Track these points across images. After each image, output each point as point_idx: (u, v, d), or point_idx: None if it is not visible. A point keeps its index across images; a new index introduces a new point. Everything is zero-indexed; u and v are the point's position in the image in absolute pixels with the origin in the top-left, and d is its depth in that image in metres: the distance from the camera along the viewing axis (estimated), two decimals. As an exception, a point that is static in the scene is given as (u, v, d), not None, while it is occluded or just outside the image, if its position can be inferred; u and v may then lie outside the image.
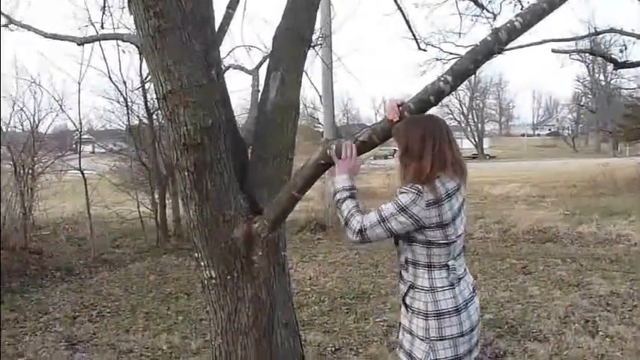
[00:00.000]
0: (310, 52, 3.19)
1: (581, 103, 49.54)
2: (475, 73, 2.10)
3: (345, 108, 50.74)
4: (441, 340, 1.90)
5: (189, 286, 5.99)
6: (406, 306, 1.99)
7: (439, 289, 1.90)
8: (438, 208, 1.83)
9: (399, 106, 2.00)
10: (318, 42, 4.87)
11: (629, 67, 10.22)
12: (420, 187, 1.83)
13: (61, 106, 8.27)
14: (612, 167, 15.32)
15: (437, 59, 10.68)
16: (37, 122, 8.16)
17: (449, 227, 1.87)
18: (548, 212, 9.98)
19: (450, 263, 1.91)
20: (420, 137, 1.88)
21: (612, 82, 41.62)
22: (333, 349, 4.04)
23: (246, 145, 2.92)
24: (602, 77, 44.81)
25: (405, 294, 1.98)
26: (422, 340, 1.93)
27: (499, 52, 1.98)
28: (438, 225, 1.85)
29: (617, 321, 4.36)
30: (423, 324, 1.92)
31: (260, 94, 2.98)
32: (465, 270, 2.01)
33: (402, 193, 1.86)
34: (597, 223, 8.88)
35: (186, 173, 2.37)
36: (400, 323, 2.07)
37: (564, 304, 4.84)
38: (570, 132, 55.63)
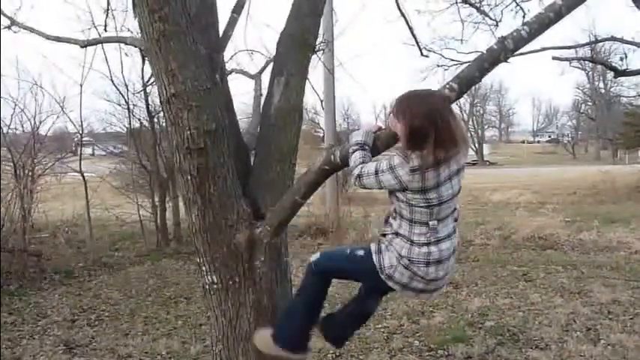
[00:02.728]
0: (312, 57, 3.18)
1: (581, 111, 49.67)
2: (480, 81, 2.10)
3: (346, 113, 50.87)
4: (405, 267, 2.04)
5: (189, 291, 5.97)
6: (384, 235, 2.13)
7: (415, 243, 2.02)
8: (421, 175, 1.91)
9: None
10: (321, 47, 4.87)
11: (629, 75, 10.22)
12: (408, 152, 1.93)
13: (62, 108, 8.27)
14: (612, 174, 15.34)
15: (438, 65, 10.67)
16: (37, 124, 8.15)
17: (430, 192, 1.94)
18: (549, 219, 9.97)
19: (430, 223, 2.01)
20: (425, 119, 1.89)
21: (612, 89, 41.81)
22: (334, 355, 4.02)
23: (248, 150, 2.91)
24: (602, 85, 44.97)
25: (388, 236, 2.11)
26: (386, 246, 2.08)
27: (505, 61, 1.98)
28: (419, 190, 1.94)
29: (618, 329, 4.35)
30: (395, 261, 2.05)
31: (263, 98, 2.97)
32: (452, 231, 2.09)
33: (396, 155, 1.98)
34: (598, 230, 8.87)
35: (188, 177, 2.36)
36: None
37: (565, 312, 4.82)
38: (570, 139, 55.72)
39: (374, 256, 2.10)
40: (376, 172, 1.99)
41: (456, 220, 2.13)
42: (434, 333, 4.39)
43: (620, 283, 5.80)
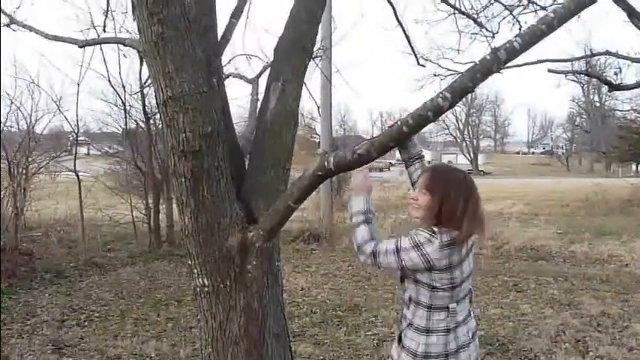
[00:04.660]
0: (310, 64, 3.21)
1: (576, 123, 49.99)
2: (473, 91, 2.12)
3: (342, 119, 50.95)
4: None
5: (180, 293, 5.96)
6: (400, 340, 2.00)
7: (433, 332, 1.92)
8: (450, 251, 1.85)
9: (395, 123, 2.02)
10: (319, 54, 4.90)
11: (624, 90, 10.31)
12: (435, 228, 1.86)
13: (58, 106, 8.27)
14: (605, 187, 15.43)
15: (435, 75, 10.72)
16: (33, 122, 8.14)
17: (456, 270, 1.88)
18: (541, 230, 10.02)
19: (450, 306, 1.92)
20: (461, 194, 1.90)
21: (607, 103, 42.10)
22: (324, 361, 4.02)
23: (243, 154, 2.92)
24: (596, 98, 45.30)
25: (403, 331, 2.00)
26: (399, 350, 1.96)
27: (497, 72, 2.00)
28: (446, 268, 1.86)
29: (607, 342, 4.37)
30: (409, 355, 1.94)
31: (260, 103, 2.99)
32: (468, 315, 2.01)
33: (418, 232, 1.89)
34: (589, 242, 8.93)
35: (182, 180, 2.36)
36: (390, 356, 2.09)
37: (555, 323, 4.84)
38: (564, 151, 56.04)
39: None
40: (397, 251, 1.88)
41: (470, 301, 2.05)
42: (424, 341, 4.40)
43: (610, 295, 5.84)
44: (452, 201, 1.88)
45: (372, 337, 4.53)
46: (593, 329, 4.71)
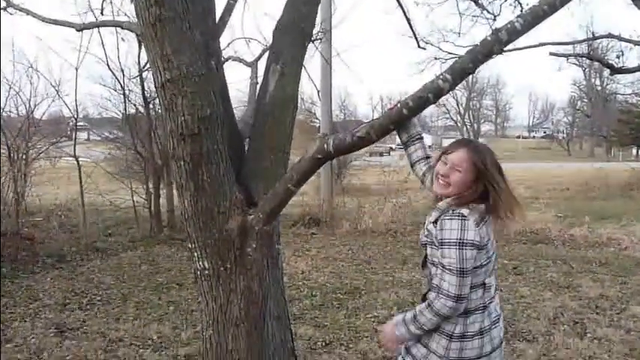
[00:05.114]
0: (309, 47, 3.18)
1: (577, 107, 49.86)
2: (474, 73, 2.10)
3: (343, 104, 50.71)
4: None
5: (181, 277, 5.99)
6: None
7: (471, 312, 1.86)
8: (484, 225, 1.82)
9: (395, 105, 2.00)
10: (318, 36, 4.86)
11: (626, 73, 10.28)
12: (463, 210, 1.80)
13: (57, 91, 8.23)
14: (605, 172, 15.43)
15: (436, 58, 10.72)
16: (32, 107, 8.12)
17: (490, 244, 1.86)
18: (541, 214, 10.03)
19: (486, 281, 1.88)
20: (494, 172, 1.86)
21: (608, 87, 41.97)
22: (324, 343, 4.06)
23: (243, 138, 2.92)
24: (598, 82, 45.14)
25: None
26: (439, 357, 1.88)
27: (499, 53, 1.99)
28: (486, 242, 1.83)
29: (605, 323, 4.41)
30: (445, 343, 1.87)
31: (259, 86, 2.98)
32: (495, 288, 1.97)
33: (445, 225, 1.79)
34: (589, 226, 8.94)
35: (182, 163, 2.36)
36: (409, 353, 1.98)
37: (554, 306, 4.88)
38: (565, 135, 55.97)
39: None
40: (462, 273, 1.77)
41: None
42: (423, 323, 4.43)
43: (609, 278, 5.87)
44: (491, 178, 1.83)
45: (372, 320, 4.56)
46: (592, 311, 4.75)
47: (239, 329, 2.54)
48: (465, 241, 1.76)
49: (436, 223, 1.86)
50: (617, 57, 10.28)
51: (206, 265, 2.53)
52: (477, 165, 1.86)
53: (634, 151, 36.17)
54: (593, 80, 45.52)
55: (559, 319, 4.55)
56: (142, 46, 7.11)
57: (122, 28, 4.93)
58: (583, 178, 16.47)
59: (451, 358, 1.86)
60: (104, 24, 5.11)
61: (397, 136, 2.20)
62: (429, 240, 1.90)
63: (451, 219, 1.79)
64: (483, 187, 1.85)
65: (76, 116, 8.50)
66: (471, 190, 1.85)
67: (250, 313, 2.54)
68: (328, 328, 4.39)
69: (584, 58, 18.93)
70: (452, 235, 1.77)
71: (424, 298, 1.92)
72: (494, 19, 7.13)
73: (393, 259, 6.92)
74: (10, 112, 8.21)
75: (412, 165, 2.21)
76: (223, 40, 3.15)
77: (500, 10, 7.52)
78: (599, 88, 44.56)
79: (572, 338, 4.08)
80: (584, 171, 17.88)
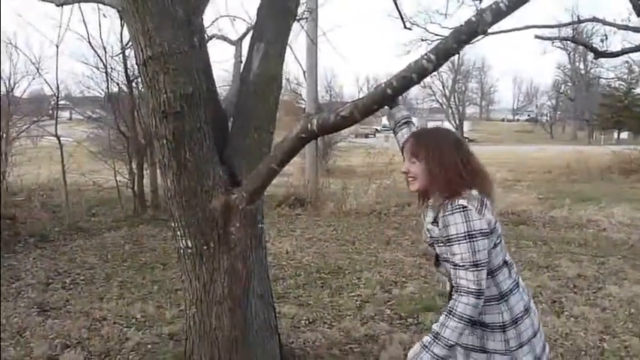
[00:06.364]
0: (295, 26, 3.16)
1: (561, 91, 50.29)
2: (459, 53, 2.10)
3: (329, 85, 50.55)
4: (520, 347, 1.78)
5: (165, 257, 5.99)
6: (472, 323, 1.73)
7: (508, 294, 1.78)
8: (486, 208, 1.73)
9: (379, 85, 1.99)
10: (304, 15, 4.82)
11: (609, 57, 10.35)
12: (460, 201, 1.69)
13: (37, 69, 8.07)
14: (586, 155, 15.66)
15: (422, 39, 10.67)
16: (12, 85, 7.96)
17: (497, 224, 1.78)
18: (523, 196, 10.17)
19: (507, 258, 1.83)
20: (451, 152, 1.78)
21: (592, 71, 42.36)
22: (307, 321, 4.10)
23: (227, 117, 2.90)
24: (582, 66, 45.48)
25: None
26: (502, 354, 1.77)
27: (483, 34, 1.99)
28: (495, 223, 1.75)
29: (582, 302, 4.52)
30: (501, 337, 1.77)
31: (243, 65, 2.95)
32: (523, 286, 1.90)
33: (449, 221, 1.69)
34: (569, 208, 9.10)
35: (164, 142, 2.35)
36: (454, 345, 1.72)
37: (533, 285, 4.98)
38: (548, 118, 56.49)
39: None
40: (476, 265, 1.66)
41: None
42: (405, 302, 4.51)
43: (587, 258, 6.00)
44: (449, 158, 1.76)
45: (355, 299, 4.62)
46: (569, 290, 4.86)
47: (222, 307, 2.56)
48: (473, 232, 1.67)
49: (436, 222, 1.79)
50: (602, 41, 10.34)
51: (189, 244, 2.53)
52: (428, 148, 1.81)
53: (615, 134, 36.71)
54: (577, 64, 45.89)
55: (537, 298, 4.64)
56: (124, 23, 6.97)
57: (104, 4, 4.81)
58: (565, 161, 16.69)
59: (512, 348, 1.77)
60: (85, -1, 4.98)
61: (382, 118, 2.20)
62: (433, 240, 1.85)
63: (453, 213, 1.69)
64: (453, 167, 1.77)
65: (57, 94, 8.36)
66: (442, 175, 1.76)
67: (234, 291, 2.56)
68: (312, 306, 4.44)
69: (568, 42, 19.05)
70: (459, 229, 1.68)
71: (450, 297, 1.79)
72: (480, 1, 7.11)
73: (376, 240, 6.99)
74: (-12, 89, 8.05)
75: (402, 151, 2.20)
76: (207, 18, 3.11)
77: (487, -8, 7.50)
78: (583, 72, 44.95)
79: (550, 316, 4.18)
80: (566, 154, 18.10)
